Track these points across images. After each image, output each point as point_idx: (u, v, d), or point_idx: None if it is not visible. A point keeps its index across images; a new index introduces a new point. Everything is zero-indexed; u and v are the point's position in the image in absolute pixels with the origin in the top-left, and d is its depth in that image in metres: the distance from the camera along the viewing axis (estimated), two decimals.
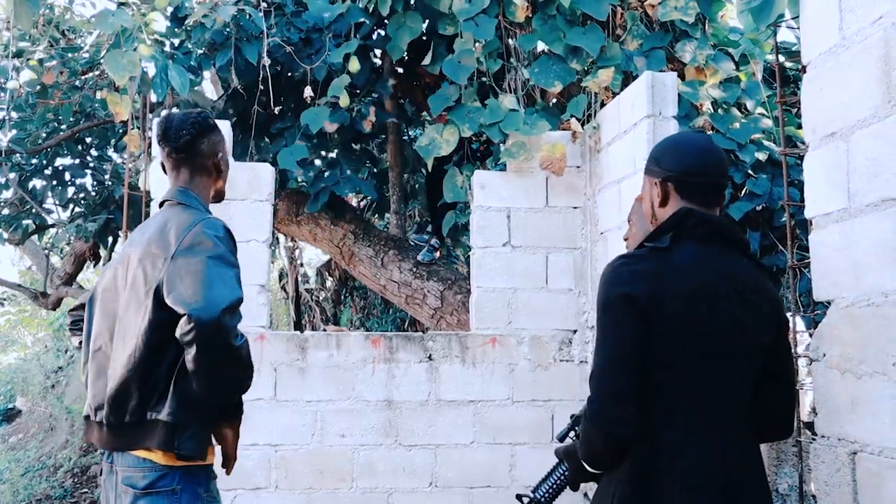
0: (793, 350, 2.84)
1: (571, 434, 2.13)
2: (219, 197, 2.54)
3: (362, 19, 5.40)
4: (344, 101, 5.09)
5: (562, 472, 2.15)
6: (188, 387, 2.15)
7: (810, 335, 2.52)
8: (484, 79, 5.02)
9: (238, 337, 2.14)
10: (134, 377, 2.19)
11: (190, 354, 2.07)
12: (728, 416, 1.83)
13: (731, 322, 1.83)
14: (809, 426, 2.45)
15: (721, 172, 1.96)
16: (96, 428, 2.28)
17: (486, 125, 4.57)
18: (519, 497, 2.26)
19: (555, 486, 2.18)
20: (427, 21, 5.38)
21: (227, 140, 4.51)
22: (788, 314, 2.90)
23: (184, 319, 2.05)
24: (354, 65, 5.10)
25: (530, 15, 4.87)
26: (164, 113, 2.49)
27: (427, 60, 5.29)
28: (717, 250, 1.88)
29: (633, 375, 1.76)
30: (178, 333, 2.07)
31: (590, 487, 3.58)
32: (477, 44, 4.93)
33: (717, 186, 1.95)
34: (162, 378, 2.19)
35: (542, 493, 2.18)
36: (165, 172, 2.46)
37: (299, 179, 5.66)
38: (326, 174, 5.79)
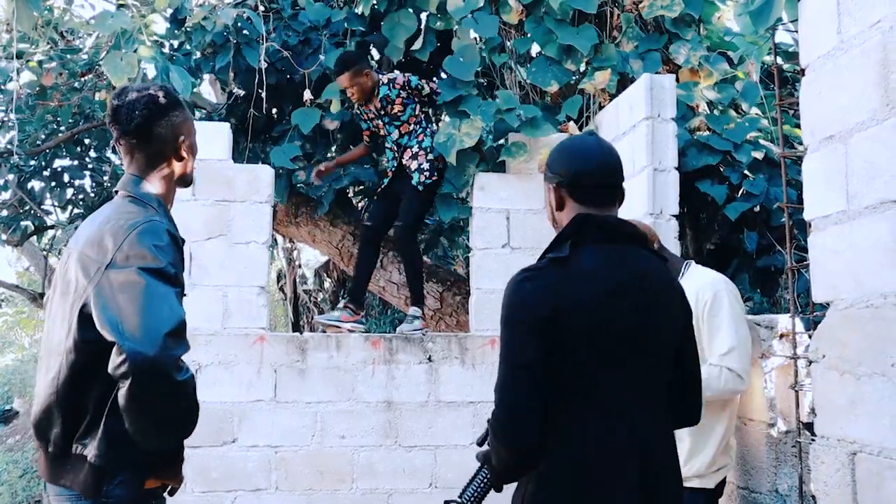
0: (793, 351, 2.86)
1: (489, 438, 2.17)
2: (184, 183, 2.16)
3: (356, 22, 5.42)
4: (335, 106, 5.11)
5: (485, 475, 2.20)
6: (121, 424, 1.78)
7: (809, 337, 2.54)
8: (483, 79, 5.03)
9: (183, 371, 1.77)
10: (56, 404, 1.88)
11: (122, 389, 1.71)
12: (643, 408, 1.88)
13: (640, 318, 1.87)
14: (809, 427, 2.47)
15: (611, 172, 1.97)
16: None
17: (503, 111, 4.52)
18: (447, 503, 2.28)
19: (480, 489, 2.22)
20: (418, 16, 5.37)
21: (223, 137, 4.53)
22: (787, 315, 2.92)
23: (115, 350, 1.71)
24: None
25: (524, 18, 4.88)
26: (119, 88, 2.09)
27: (417, 45, 5.21)
28: (619, 250, 1.91)
29: (534, 387, 1.79)
30: (109, 367, 1.72)
31: None
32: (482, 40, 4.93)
33: (608, 187, 1.96)
34: (89, 410, 1.85)
35: (468, 497, 2.23)
36: (118, 155, 2.09)
37: (295, 182, 5.66)
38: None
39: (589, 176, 1.94)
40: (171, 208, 2.11)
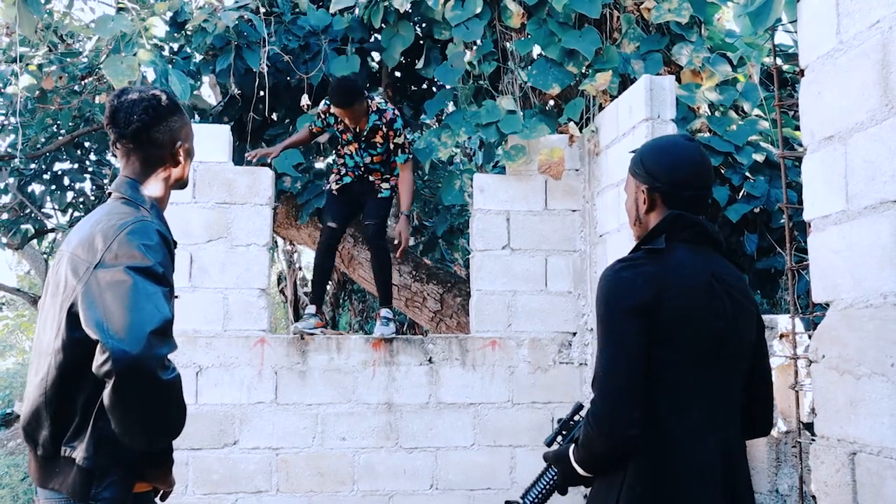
0: (793, 351, 2.85)
1: (559, 438, 2.15)
2: (180, 186, 2.15)
3: (358, 31, 5.45)
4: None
5: (551, 476, 2.15)
6: (109, 426, 1.77)
7: (809, 337, 2.54)
8: (481, 82, 5.05)
9: (168, 370, 1.73)
10: (44, 405, 1.86)
11: (107, 388, 1.69)
12: (727, 411, 1.87)
13: (728, 320, 1.87)
14: (809, 427, 2.47)
15: (708, 185, 1.98)
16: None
17: (482, 125, 4.58)
18: (508, 503, 2.22)
19: (544, 491, 2.18)
20: (423, 25, 5.41)
21: (223, 139, 4.53)
22: (787, 316, 2.92)
23: (99, 348, 1.68)
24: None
25: (525, 21, 4.90)
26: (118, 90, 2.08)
27: (420, 65, 5.35)
28: (706, 252, 1.92)
29: (638, 377, 1.78)
30: (94, 365, 1.70)
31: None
32: (472, 47, 4.96)
33: (702, 199, 1.98)
34: (77, 412, 1.84)
35: (531, 499, 2.19)
36: (115, 156, 2.09)
37: (288, 185, 5.68)
38: (310, 186, 5.79)
39: (687, 186, 1.94)
40: (164, 210, 2.10)
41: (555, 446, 2.12)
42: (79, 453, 1.82)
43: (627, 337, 1.79)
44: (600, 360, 1.82)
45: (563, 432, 2.16)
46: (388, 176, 4.84)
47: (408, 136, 4.86)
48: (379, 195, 4.81)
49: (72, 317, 1.81)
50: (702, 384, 1.83)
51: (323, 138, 5.34)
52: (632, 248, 1.93)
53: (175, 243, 2.01)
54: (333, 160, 5.10)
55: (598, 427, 1.78)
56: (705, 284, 1.85)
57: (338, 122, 4.75)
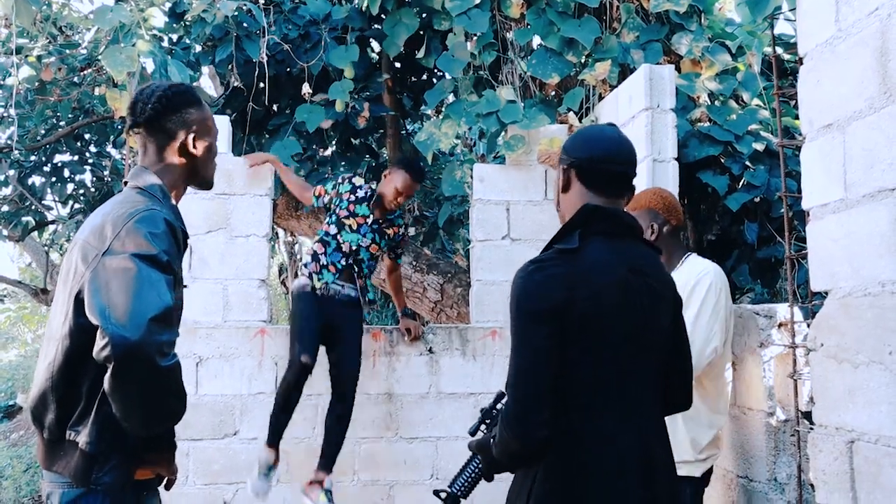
0: (792, 340, 2.86)
1: (482, 427, 2.19)
2: (201, 182, 2.18)
3: (358, 20, 5.44)
4: (340, 105, 5.12)
5: (476, 464, 2.24)
6: (113, 411, 1.81)
7: (808, 326, 2.54)
8: (481, 72, 5.04)
9: (168, 357, 1.75)
10: (51, 390, 1.89)
11: (107, 374, 1.73)
12: (644, 400, 1.91)
13: (643, 313, 1.88)
14: (807, 416, 2.47)
15: (625, 161, 1.95)
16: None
17: (482, 115, 4.58)
18: (436, 492, 2.32)
19: (470, 479, 2.27)
20: (424, 15, 5.40)
21: (223, 130, 4.52)
22: (786, 305, 2.92)
23: (99, 333, 1.71)
24: (351, 72, 5.13)
25: (525, 11, 4.89)
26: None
27: (421, 54, 5.34)
28: (622, 244, 1.91)
29: (546, 380, 1.78)
30: (94, 350, 1.73)
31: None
32: (473, 37, 4.95)
33: (619, 175, 1.94)
34: (82, 396, 1.87)
35: (458, 487, 2.28)
36: (119, 149, 2.14)
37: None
38: (311, 176, 5.77)
39: (601, 161, 1.92)
40: (177, 202, 2.12)
41: (479, 435, 2.16)
42: (82, 437, 1.85)
43: (536, 341, 1.79)
44: (511, 364, 1.82)
45: (487, 421, 2.21)
46: (367, 274, 4.22)
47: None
48: (352, 318, 4.12)
49: (79, 303, 1.84)
50: (615, 382, 1.85)
51: (326, 124, 5.29)
52: (545, 246, 1.93)
53: (186, 234, 2.04)
54: (320, 239, 4.20)
55: (510, 429, 1.80)
56: (620, 281, 1.85)
57: (353, 193, 4.19)
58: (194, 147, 2.10)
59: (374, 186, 4.26)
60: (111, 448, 1.86)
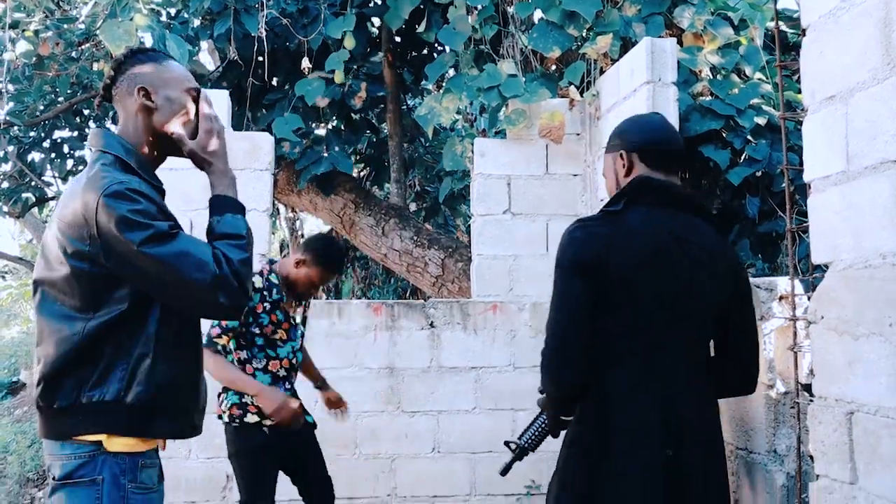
0: (792, 313, 2.86)
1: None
2: (173, 146, 1.99)
3: None
4: (339, 77, 5.09)
5: (543, 420, 2.43)
6: (91, 374, 1.85)
7: (808, 298, 2.54)
8: (481, 46, 5.00)
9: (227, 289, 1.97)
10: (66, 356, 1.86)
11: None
12: (677, 370, 2.03)
13: (682, 281, 2.02)
14: (807, 388, 2.48)
15: (678, 141, 2.21)
16: None
17: (483, 89, 4.55)
18: (507, 443, 2.56)
19: (537, 433, 2.48)
20: None
21: (222, 104, 4.50)
22: (786, 278, 2.92)
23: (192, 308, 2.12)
24: (350, 42, 5.08)
25: None
26: None
27: (422, 28, 5.30)
28: (669, 214, 2.08)
29: (581, 331, 1.98)
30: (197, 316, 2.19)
31: None
32: (474, 11, 4.91)
33: (676, 154, 2.19)
34: (103, 356, 1.88)
35: (526, 439, 2.51)
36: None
37: (286, 151, 5.63)
38: (308, 152, 5.71)
39: (660, 142, 2.17)
40: (156, 165, 2.03)
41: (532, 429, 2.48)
42: (131, 394, 1.89)
43: (571, 294, 2.00)
44: (550, 314, 2.04)
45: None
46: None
47: None
48: (308, 434, 3.47)
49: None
50: (642, 343, 2.01)
51: (322, 103, 5.25)
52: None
53: (157, 188, 1.97)
54: (264, 358, 3.33)
55: (546, 373, 2.02)
56: (659, 247, 2.01)
57: (278, 294, 3.35)
58: (151, 101, 1.95)
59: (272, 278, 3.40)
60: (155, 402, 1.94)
